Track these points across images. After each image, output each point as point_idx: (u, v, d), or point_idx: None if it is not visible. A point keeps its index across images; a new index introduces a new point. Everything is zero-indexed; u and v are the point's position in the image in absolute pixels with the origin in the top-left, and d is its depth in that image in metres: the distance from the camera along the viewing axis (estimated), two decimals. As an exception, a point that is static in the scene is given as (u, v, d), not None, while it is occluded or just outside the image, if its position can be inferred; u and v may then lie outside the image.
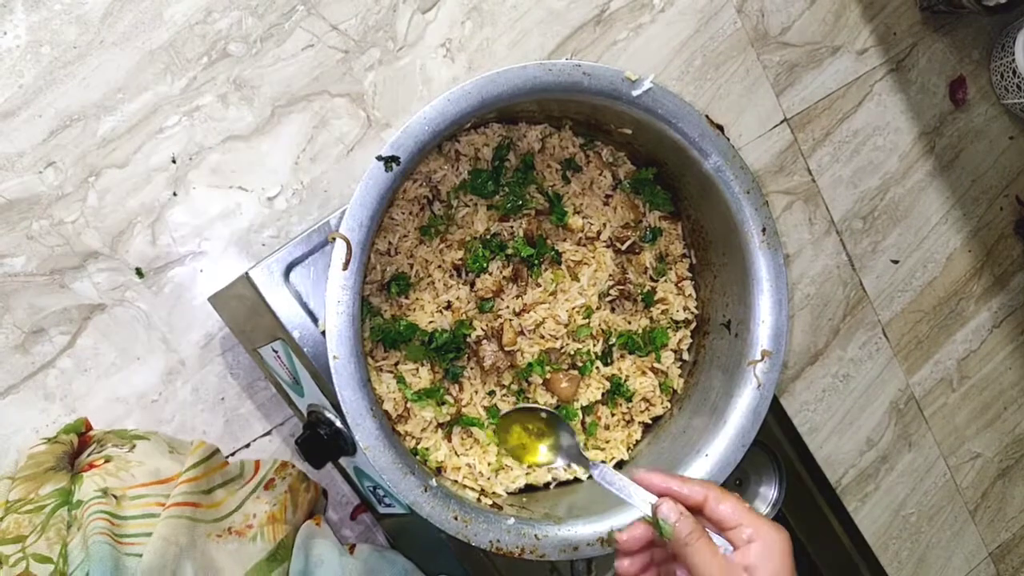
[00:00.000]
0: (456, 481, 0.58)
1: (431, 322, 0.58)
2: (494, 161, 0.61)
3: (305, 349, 0.54)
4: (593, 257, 0.63)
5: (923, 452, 1.02)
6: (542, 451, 0.50)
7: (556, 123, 0.63)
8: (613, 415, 0.64)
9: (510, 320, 0.59)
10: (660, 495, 0.43)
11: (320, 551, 0.63)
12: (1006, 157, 1.03)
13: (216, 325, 0.71)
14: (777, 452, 0.80)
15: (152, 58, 0.69)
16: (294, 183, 0.73)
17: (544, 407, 0.50)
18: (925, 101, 0.98)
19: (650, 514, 0.43)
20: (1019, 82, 0.96)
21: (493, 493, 0.59)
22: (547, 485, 0.62)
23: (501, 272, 0.60)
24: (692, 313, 0.66)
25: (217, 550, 0.59)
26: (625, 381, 0.63)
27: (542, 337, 0.60)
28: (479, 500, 0.57)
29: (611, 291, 0.63)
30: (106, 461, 0.60)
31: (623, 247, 0.63)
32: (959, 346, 1.03)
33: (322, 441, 0.59)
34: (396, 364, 0.58)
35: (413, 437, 0.58)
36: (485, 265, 0.59)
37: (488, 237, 0.60)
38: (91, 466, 0.60)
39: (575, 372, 0.62)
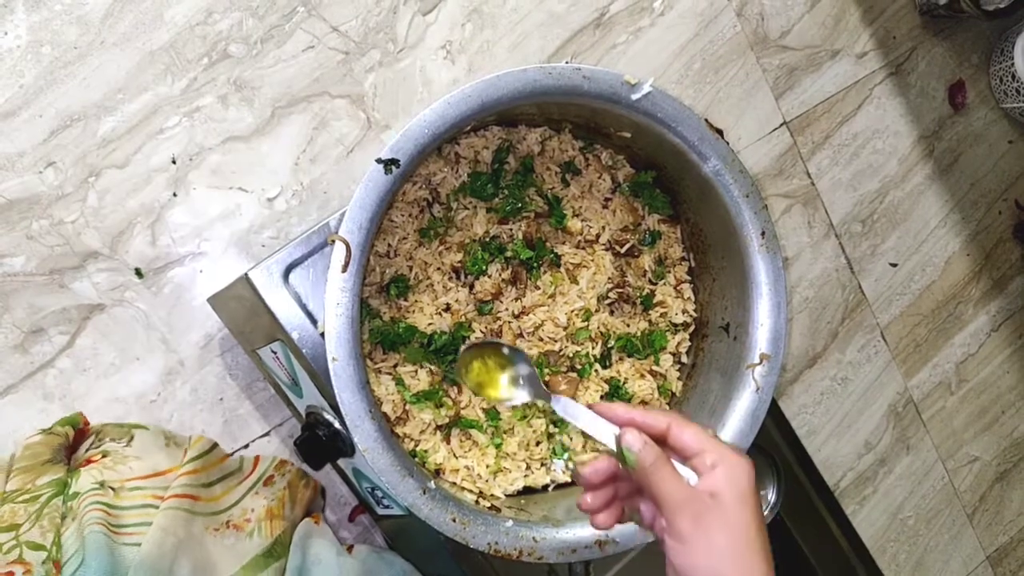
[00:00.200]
0: (455, 483, 0.58)
1: (430, 324, 0.58)
2: (494, 164, 0.61)
3: (304, 350, 0.54)
4: (592, 260, 0.63)
5: (921, 455, 1.02)
6: (503, 383, 0.48)
7: (556, 126, 0.63)
8: (611, 418, 0.64)
9: (509, 322, 0.60)
10: (622, 426, 0.42)
11: (318, 550, 0.63)
12: (1005, 161, 1.03)
13: (215, 326, 0.71)
14: (775, 455, 0.81)
15: (152, 59, 0.69)
16: (294, 184, 0.73)
17: (505, 342, 0.49)
18: (924, 105, 0.98)
19: (613, 446, 0.42)
20: (1018, 86, 0.96)
21: (491, 495, 0.59)
22: (545, 487, 0.62)
23: (500, 275, 0.60)
24: (691, 316, 0.66)
25: (214, 544, 0.59)
26: (624, 384, 0.63)
27: (541, 339, 0.60)
28: (477, 502, 0.57)
29: (610, 294, 0.63)
30: (103, 456, 0.61)
31: (622, 250, 0.63)
32: (957, 349, 1.03)
33: (321, 442, 0.59)
34: (395, 366, 0.58)
35: (412, 439, 0.58)
36: (484, 268, 0.59)
37: (487, 240, 0.60)
38: (89, 462, 0.60)
39: (574, 374, 0.62)
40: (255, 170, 0.72)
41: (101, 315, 0.68)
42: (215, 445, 0.66)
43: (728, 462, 0.40)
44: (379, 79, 0.75)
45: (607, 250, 0.63)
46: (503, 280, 0.60)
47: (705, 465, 0.40)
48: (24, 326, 0.67)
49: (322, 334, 0.51)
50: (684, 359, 0.66)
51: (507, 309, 0.60)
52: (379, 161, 0.51)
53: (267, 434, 0.73)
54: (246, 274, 0.54)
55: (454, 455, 0.59)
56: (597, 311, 0.62)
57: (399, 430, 0.57)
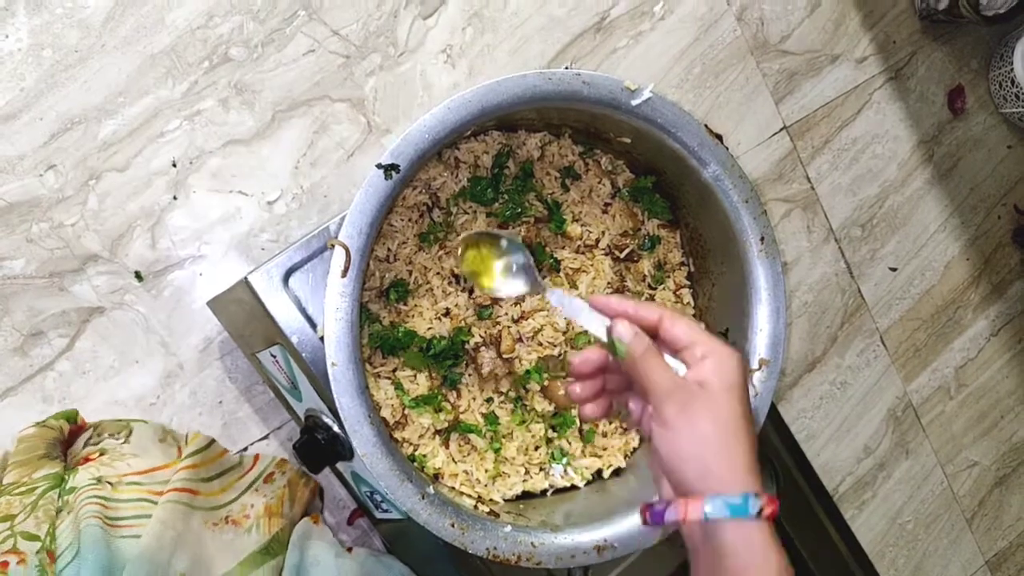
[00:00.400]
0: (453, 488, 0.58)
1: (429, 329, 0.58)
2: (493, 168, 0.61)
3: (303, 354, 0.54)
4: (592, 265, 0.63)
5: (920, 460, 1.02)
6: (497, 270, 0.48)
7: (555, 131, 0.63)
8: (610, 423, 0.64)
9: (508, 327, 0.60)
10: (615, 317, 0.42)
11: (316, 552, 0.63)
12: (1004, 166, 1.04)
13: (215, 329, 0.71)
14: (774, 459, 0.81)
15: (153, 62, 0.69)
16: (294, 188, 0.73)
17: (503, 232, 0.48)
18: (924, 110, 0.98)
19: (605, 337, 0.42)
20: (1017, 91, 0.96)
21: (490, 500, 0.59)
22: (544, 492, 0.62)
23: (500, 279, 0.60)
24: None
25: (212, 538, 0.59)
26: (623, 388, 0.63)
27: (540, 344, 0.61)
28: (476, 507, 0.57)
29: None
30: (101, 455, 0.61)
31: (622, 255, 0.63)
32: (957, 354, 1.03)
33: (319, 446, 0.59)
34: (394, 370, 0.58)
35: (411, 443, 0.58)
36: (484, 272, 0.59)
37: (487, 244, 0.60)
38: (87, 460, 0.60)
39: (573, 379, 0.62)
40: (255, 174, 0.72)
41: (101, 318, 0.68)
42: (212, 441, 0.66)
43: (718, 354, 0.40)
44: (379, 83, 0.75)
45: (607, 255, 0.63)
46: (503, 285, 0.60)
47: (695, 357, 0.40)
48: (24, 329, 0.67)
49: (321, 338, 0.51)
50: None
51: (506, 314, 0.60)
52: (379, 166, 0.51)
53: (266, 437, 0.73)
54: (246, 278, 0.54)
55: (453, 460, 0.59)
56: (596, 316, 0.62)
57: (398, 434, 0.57)
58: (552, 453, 0.62)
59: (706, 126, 0.58)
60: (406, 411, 0.57)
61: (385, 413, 0.56)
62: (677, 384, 0.40)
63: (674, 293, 0.66)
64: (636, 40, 0.84)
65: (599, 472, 0.63)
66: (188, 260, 0.71)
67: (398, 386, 0.57)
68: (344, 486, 0.74)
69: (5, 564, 0.52)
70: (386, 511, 0.67)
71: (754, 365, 0.60)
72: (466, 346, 0.59)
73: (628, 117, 0.57)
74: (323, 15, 0.73)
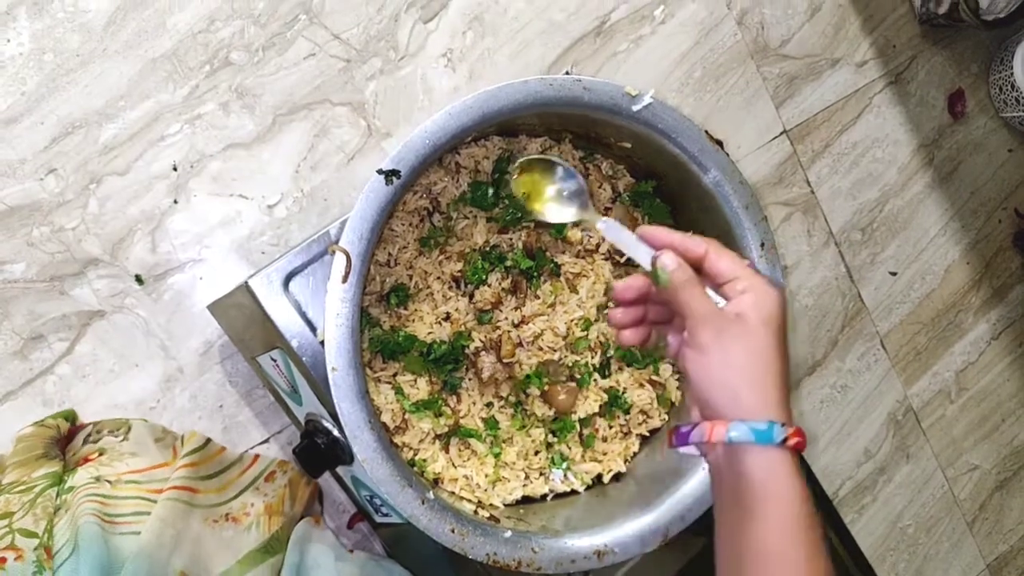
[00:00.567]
0: (453, 492, 0.58)
1: (430, 333, 0.58)
2: (494, 173, 0.61)
3: (304, 358, 0.54)
4: (592, 269, 0.63)
5: (921, 464, 1.02)
6: (549, 195, 0.48)
7: (556, 136, 0.63)
8: (611, 427, 0.64)
9: (509, 332, 0.60)
10: (661, 247, 0.43)
11: (316, 554, 0.63)
12: (1004, 170, 1.04)
13: (215, 333, 0.71)
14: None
15: (154, 66, 0.69)
16: (294, 191, 0.73)
17: (558, 159, 0.49)
18: (924, 114, 0.98)
19: (649, 267, 0.43)
20: (1017, 95, 0.96)
21: (490, 505, 0.59)
22: (544, 497, 0.62)
23: (500, 284, 0.60)
24: (690, 325, 0.66)
25: (212, 536, 0.59)
26: (623, 393, 0.63)
27: (540, 349, 0.61)
28: (476, 512, 0.57)
29: (609, 303, 0.63)
30: (100, 454, 0.61)
31: (621, 260, 0.63)
32: (957, 358, 1.03)
33: (319, 450, 0.60)
34: (394, 375, 0.58)
35: (411, 448, 0.58)
36: (484, 277, 0.59)
37: (487, 249, 0.60)
38: (86, 460, 0.60)
39: (573, 384, 0.62)
40: (256, 177, 0.72)
41: (101, 322, 0.68)
42: (209, 440, 0.66)
43: (758, 289, 0.40)
44: (380, 87, 0.75)
45: (607, 260, 0.63)
46: (503, 289, 0.60)
47: (736, 290, 0.41)
48: (24, 332, 0.67)
49: (322, 342, 0.51)
50: (683, 368, 0.66)
51: (507, 318, 0.60)
52: (380, 172, 0.51)
53: (266, 441, 0.73)
54: (246, 282, 0.54)
55: (453, 464, 0.59)
56: (596, 320, 0.62)
57: (398, 439, 0.57)
58: (552, 458, 0.62)
59: (706, 132, 0.58)
60: (406, 416, 0.57)
61: (385, 418, 0.56)
62: (715, 312, 0.40)
63: (674, 298, 0.66)
64: (636, 44, 0.84)
65: (599, 477, 0.63)
66: (188, 264, 0.71)
67: (398, 391, 0.57)
68: (344, 490, 0.74)
69: (3, 560, 0.52)
70: (386, 515, 0.67)
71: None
72: (466, 350, 0.59)
73: (629, 122, 0.57)
74: (324, 19, 0.73)
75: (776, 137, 0.91)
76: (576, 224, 0.51)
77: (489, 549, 0.52)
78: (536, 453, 0.61)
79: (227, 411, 0.72)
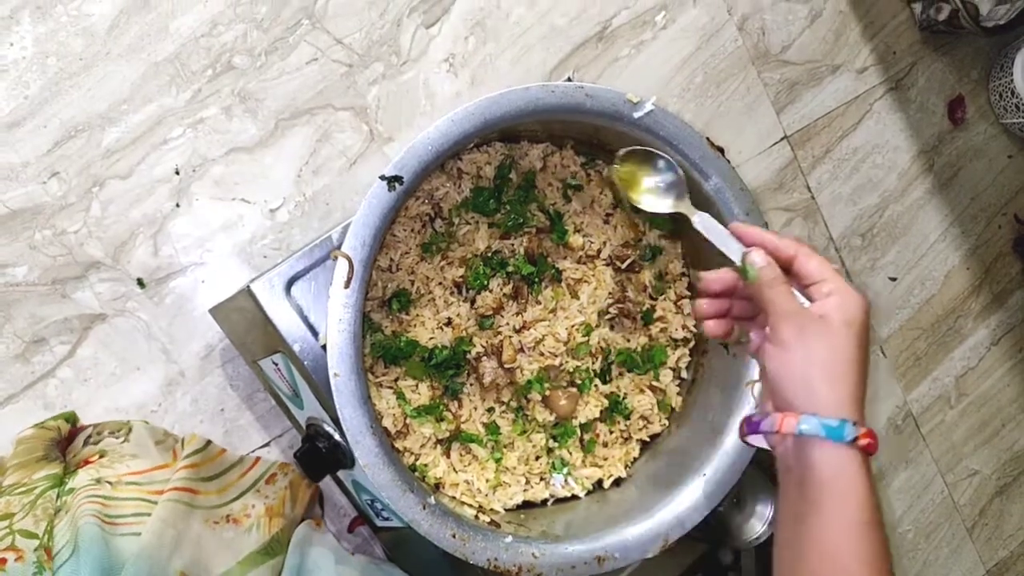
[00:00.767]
0: (454, 497, 0.58)
1: (431, 338, 0.58)
2: (496, 179, 0.61)
3: (305, 363, 0.54)
4: (593, 275, 0.63)
5: (920, 469, 1.02)
6: (647, 186, 0.51)
7: (558, 142, 0.63)
8: (611, 432, 0.64)
9: (510, 337, 0.60)
10: (752, 245, 0.44)
11: (316, 556, 0.63)
12: (1004, 176, 1.04)
13: (216, 336, 0.71)
14: (774, 469, 0.80)
15: (157, 70, 0.69)
16: (297, 196, 0.74)
17: (661, 153, 0.51)
18: (924, 120, 0.98)
19: (739, 262, 0.44)
20: (1017, 102, 0.96)
21: (491, 510, 0.59)
22: (544, 502, 0.62)
23: (501, 289, 0.60)
24: (691, 331, 0.66)
25: (212, 537, 0.59)
26: (623, 399, 0.63)
27: (541, 354, 0.61)
28: (477, 517, 0.57)
29: (610, 309, 0.63)
30: (100, 456, 0.61)
31: (623, 265, 0.64)
32: (957, 363, 1.03)
33: (321, 454, 0.60)
34: (396, 380, 0.58)
35: (412, 453, 0.58)
36: (486, 282, 0.59)
37: (489, 255, 0.60)
38: (87, 462, 0.60)
39: (574, 389, 0.62)
40: (258, 181, 0.72)
41: (102, 325, 0.68)
42: (209, 442, 0.66)
43: (844, 293, 0.42)
44: (382, 91, 0.75)
45: (608, 265, 0.63)
46: (504, 295, 0.60)
47: (821, 292, 0.42)
48: (25, 336, 0.67)
49: (323, 347, 0.52)
50: (684, 374, 0.66)
51: (508, 324, 0.60)
52: (383, 178, 0.51)
53: (267, 445, 0.73)
54: (248, 286, 0.54)
55: (454, 469, 0.59)
56: (598, 326, 0.62)
57: (399, 444, 0.58)
58: (553, 463, 0.62)
59: (708, 139, 0.59)
60: (408, 421, 0.57)
61: (387, 423, 0.56)
62: (799, 310, 0.41)
63: (675, 304, 0.66)
64: (638, 49, 0.84)
65: (600, 482, 0.63)
66: (190, 267, 0.71)
67: (400, 396, 0.57)
68: (344, 494, 0.74)
69: (3, 561, 0.52)
70: (387, 519, 0.67)
71: (755, 376, 0.60)
72: (468, 356, 0.59)
73: (630, 129, 0.57)
74: (326, 24, 0.73)
75: (777, 143, 0.92)
76: (672, 215, 0.52)
77: (490, 554, 0.53)
78: (537, 458, 0.62)
79: (228, 415, 0.72)
